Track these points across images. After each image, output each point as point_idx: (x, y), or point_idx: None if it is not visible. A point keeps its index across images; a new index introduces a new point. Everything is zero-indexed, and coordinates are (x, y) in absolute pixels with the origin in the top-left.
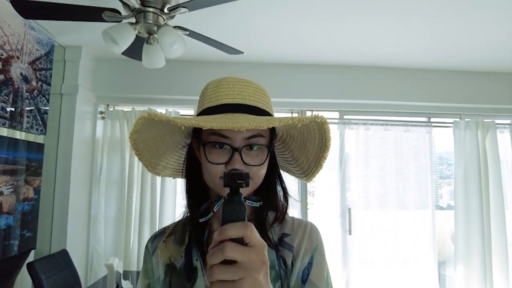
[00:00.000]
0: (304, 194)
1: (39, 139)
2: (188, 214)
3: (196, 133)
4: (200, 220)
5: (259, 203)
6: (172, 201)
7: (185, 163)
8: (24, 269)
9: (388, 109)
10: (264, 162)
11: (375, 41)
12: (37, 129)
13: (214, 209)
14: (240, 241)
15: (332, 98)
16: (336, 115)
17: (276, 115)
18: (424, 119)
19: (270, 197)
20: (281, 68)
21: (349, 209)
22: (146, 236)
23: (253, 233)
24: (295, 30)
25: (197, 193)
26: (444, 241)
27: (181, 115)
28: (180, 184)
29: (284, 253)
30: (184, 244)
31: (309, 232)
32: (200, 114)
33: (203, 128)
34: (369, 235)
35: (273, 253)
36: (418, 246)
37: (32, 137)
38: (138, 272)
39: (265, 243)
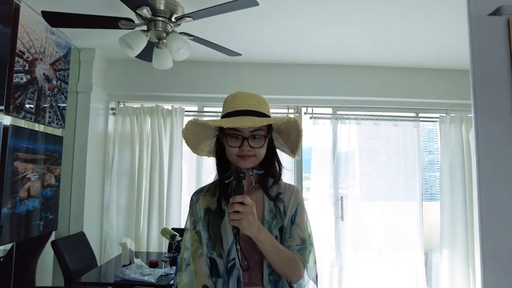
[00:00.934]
0: (299, 182)
1: (58, 132)
2: (218, 178)
3: (221, 129)
4: (225, 181)
5: (262, 171)
6: (178, 190)
7: (215, 147)
8: (46, 248)
9: (378, 105)
10: (263, 145)
11: (366, 42)
12: (57, 124)
13: (234, 174)
14: (242, 203)
15: (325, 95)
16: (329, 110)
17: (273, 111)
18: (412, 114)
19: (270, 168)
20: (278, 67)
21: (341, 197)
22: (155, 220)
23: (247, 199)
24: (291, 33)
25: (223, 165)
26: (433, 229)
27: (186, 111)
28: (185, 175)
29: (279, 204)
30: (216, 196)
31: (295, 192)
32: (223, 116)
33: (224, 127)
34: (360, 222)
35: (271, 203)
36: (406, 233)
37: (52, 130)
38: (148, 253)
39: (253, 203)
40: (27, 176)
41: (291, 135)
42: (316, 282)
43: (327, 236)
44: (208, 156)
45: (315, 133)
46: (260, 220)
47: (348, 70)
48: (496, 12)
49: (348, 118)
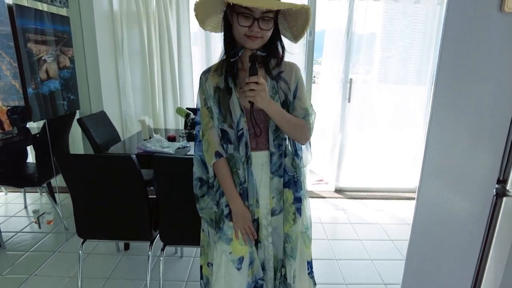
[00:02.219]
0: (310, 63)
1: (63, 12)
2: (224, 57)
3: (231, 5)
4: (231, 60)
5: (265, 53)
6: (189, 71)
7: (222, 22)
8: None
9: None
10: (271, 28)
11: None
12: (60, 1)
13: (239, 53)
14: (256, 83)
15: None
16: None
17: None
18: None
19: (273, 49)
20: None
21: (351, 79)
22: (170, 100)
23: (260, 79)
24: None
25: (229, 42)
26: None
27: None
28: (194, 56)
29: (280, 82)
30: (223, 75)
31: (295, 70)
32: None
33: (243, 5)
34: (366, 104)
35: (273, 82)
36: (411, 114)
37: (56, 10)
38: (165, 130)
39: (265, 82)
40: (43, 58)
41: (298, 21)
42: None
43: (333, 117)
44: (211, 31)
45: (330, 12)
46: None
47: None
48: None
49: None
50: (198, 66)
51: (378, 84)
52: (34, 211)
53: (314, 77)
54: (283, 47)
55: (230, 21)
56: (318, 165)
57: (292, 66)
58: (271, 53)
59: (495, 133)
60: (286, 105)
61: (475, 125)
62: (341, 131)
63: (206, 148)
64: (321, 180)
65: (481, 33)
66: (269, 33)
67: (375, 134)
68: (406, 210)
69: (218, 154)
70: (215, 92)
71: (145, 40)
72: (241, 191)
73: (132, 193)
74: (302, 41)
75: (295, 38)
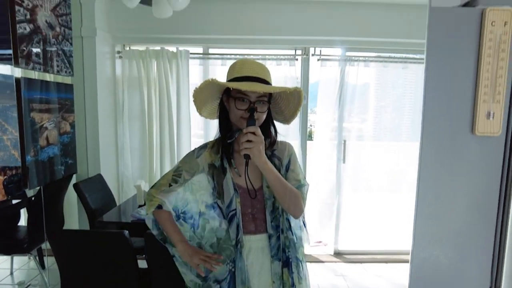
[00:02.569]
0: (304, 128)
1: (68, 80)
2: (219, 137)
3: (227, 91)
4: (228, 141)
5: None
6: (187, 132)
7: (218, 108)
8: (69, 191)
9: (388, 47)
10: (265, 111)
11: None
12: (65, 72)
13: (236, 135)
14: (253, 134)
15: (335, 36)
16: (337, 51)
17: (281, 52)
18: (422, 56)
19: (266, 131)
20: (285, 6)
21: (344, 141)
22: (167, 162)
23: (258, 130)
24: None
25: (225, 126)
26: None
27: (191, 53)
28: (193, 119)
29: (274, 160)
30: (219, 154)
31: (288, 147)
32: (232, 80)
33: (232, 88)
34: (361, 164)
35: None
36: (408, 174)
37: (61, 79)
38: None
39: (262, 135)
40: (44, 125)
41: (290, 103)
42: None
43: (329, 178)
44: (207, 118)
45: (323, 73)
46: None
47: (360, 8)
48: (471, 3)
49: (356, 60)
50: (195, 126)
51: (373, 141)
52: (20, 283)
53: (311, 125)
54: (275, 129)
55: (226, 106)
56: (316, 226)
57: (285, 144)
58: (265, 135)
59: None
60: None
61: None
62: (338, 192)
63: (150, 199)
64: (320, 242)
65: (455, 152)
66: (264, 116)
67: (372, 195)
68: (406, 275)
69: (159, 207)
70: (209, 168)
71: (145, 104)
72: (228, 275)
73: (122, 267)
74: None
75: (287, 120)
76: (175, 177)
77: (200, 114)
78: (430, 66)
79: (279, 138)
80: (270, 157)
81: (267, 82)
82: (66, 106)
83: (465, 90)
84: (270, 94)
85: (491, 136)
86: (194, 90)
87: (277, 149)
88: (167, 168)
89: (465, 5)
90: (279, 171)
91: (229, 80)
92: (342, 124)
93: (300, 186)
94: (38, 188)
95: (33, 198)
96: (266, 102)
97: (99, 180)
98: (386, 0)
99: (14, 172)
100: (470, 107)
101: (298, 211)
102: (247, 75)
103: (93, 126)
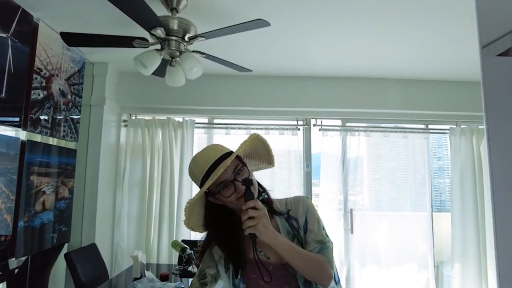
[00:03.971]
0: (308, 189)
1: (71, 145)
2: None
3: (208, 193)
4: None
5: (266, 196)
6: None
7: (210, 214)
8: (58, 259)
9: (387, 117)
10: (250, 173)
11: (374, 56)
12: (71, 137)
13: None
14: (254, 208)
15: (335, 107)
16: (338, 122)
17: (282, 123)
18: (422, 126)
19: (262, 189)
20: (287, 80)
21: (351, 210)
22: (165, 233)
23: (258, 203)
24: (300, 48)
25: (227, 215)
26: (444, 241)
27: (196, 123)
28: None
29: (292, 222)
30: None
31: (302, 201)
32: (202, 182)
33: (208, 189)
34: (369, 235)
35: (286, 224)
36: (416, 246)
37: (65, 144)
38: (158, 265)
39: (264, 207)
40: (42, 189)
41: (260, 151)
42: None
43: (336, 249)
44: (200, 232)
45: (324, 143)
46: None
47: (357, 83)
48: (507, 53)
49: (357, 130)
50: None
51: (377, 211)
52: None
53: (315, 196)
54: (261, 185)
55: (218, 203)
56: None
57: (299, 200)
58: (266, 194)
59: None
60: (298, 243)
61: None
62: (346, 262)
63: None
64: None
65: None
66: (252, 177)
67: (381, 268)
68: None
69: None
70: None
71: (147, 172)
72: None
73: None
74: (300, 172)
75: (268, 163)
76: (203, 281)
77: (197, 231)
78: (492, 127)
79: (291, 194)
80: (287, 220)
81: (226, 153)
82: (67, 171)
83: None
84: (239, 158)
85: None
86: (186, 205)
87: (291, 208)
88: (165, 239)
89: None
90: (298, 233)
91: (200, 184)
92: (347, 193)
93: (323, 249)
94: (24, 258)
95: (16, 271)
96: (243, 166)
97: (92, 250)
98: (382, 75)
99: (2, 239)
100: None
101: (326, 279)
102: (208, 167)
103: (92, 193)
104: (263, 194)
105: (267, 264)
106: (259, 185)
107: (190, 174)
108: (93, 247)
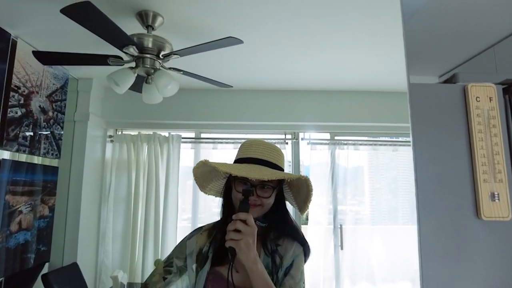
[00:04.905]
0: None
1: (54, 162)
2: (220, 219)
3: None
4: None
5: (264, 224)
6: (174, 218)
7: (224, 187)
8: (38, 280)
9: (376, 130)
10: (271, 196)
11: (358, 69)
12: (52, 154)
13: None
14: (244, 222)
15: (323, 121)
16: (327, 135)
17: (270, 136)
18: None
19: (275, 221)
20: (274, 94)
21: (341, 225)
22: (150, 250)
23: (250, 219)
24: (277, 63)
25: (227, 207)
26: None
27: (182, 138)
28: (181, 204)
29: (275, 258)
30: (210, 239)
31: (295, 248)
32: (236, 161)
33: (233, 175)
34: (360, 250)
35: (268, 259)
36: (408, 260)
37: (48, 161)
38: (141, 284)
39: (255, 226)
40: (19, 209)
41: (301, 191)
42: None
43: (327, 266)
44: (216, 196)
45: (313, 157)
46: None
47: (344, 96)
48: (450, 80)
49: (346, 144)
50: (183, 212)
51: (370, 224)
52: None
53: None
54: (288, 218)
55: (231, 186)
56: None
57: (292, 243)
58: (272, 224)
59: None
60: (272, 281)
61: None
62: (337, 281)
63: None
64: None
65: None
66: (270, 201)
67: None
68: None
69: None
70: (198, 254)
71: (132, 187)
72: None
73: None
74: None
75: (300, 210)
76: (167, 268)
77: (205, 192)
78: (418, 146)
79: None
80: (272, 253)
81: (275, 165)
82: (47, 189)
83: (462, 170)
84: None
85: (501, 221)
86: (193, 170)
87: (282, 245)
88: (150, 256)
89: (445, 82)
90: (277, 272)
91: (235, 161)
92: (336, 207)
93: None
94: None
95: None
96: (271, 187)
97: (73, 269)
98: (370, 88)
99: None
100: (470, 189)
101: None
102: (251, 156)
103: (74, 210)
104: (263, 223)
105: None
106: (282, 214)
107: (241, 144)
108: (74, 267)
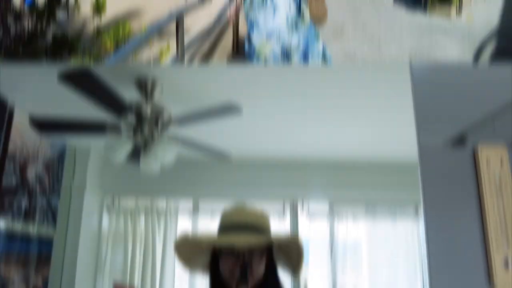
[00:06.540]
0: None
1: (49, 233)
2: None
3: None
4: None
5: None
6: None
7: (210, 261)
8: None
9: (375, 201)
10: (261, 264)
11: (360, 140)
12: (47, 224)
13: None
14: None
15: (321, 190)
16: (326, 206)
17: (268, 207)
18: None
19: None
20: (271, 165)
21: None
22: None
23: None
24: (278, 134)
25: (216, 284)
26: None
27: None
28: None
29: None
30: None
31: None
32: (219, 230)
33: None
34: None
35: None
36: None
37: (43, 231)
38: None
39: None
40: (11, 280)
41: (292, 254)
42: None
43: None
44: (203, 273)
45: (312, 230)
46: None
47: (344, 166)
48: (460, 142)
49: (345, 214)
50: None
51: None
52: None
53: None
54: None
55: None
56: None
57: None
58: None
59: None
60: None
61: None
62: None
63: None
64: None
65: None
66: (260, 270)
67: None
68: None
69: None
70: None
71: (129, 258)
72: None
73: None
74: None
75: (294, 270)
76: None
77: (192, 269)
78: (429, 214)
79: None
80: None
81: (261, 230)
82: (42, 259)
83: (473, 237)
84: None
85: None
86: (175, 248)
87: None
88: None
89: (454, 143)
90: None
91: (218, 230)
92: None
93: None
94: None
95: None
96: (261, 256)
97: None
98: (371, 159)
99: None
100: (482, 256)
101: None
102: (235, 223)
103: (69, 281)
104: None
105: None
106: (273, 282)
107: (222, 213)
108: None
